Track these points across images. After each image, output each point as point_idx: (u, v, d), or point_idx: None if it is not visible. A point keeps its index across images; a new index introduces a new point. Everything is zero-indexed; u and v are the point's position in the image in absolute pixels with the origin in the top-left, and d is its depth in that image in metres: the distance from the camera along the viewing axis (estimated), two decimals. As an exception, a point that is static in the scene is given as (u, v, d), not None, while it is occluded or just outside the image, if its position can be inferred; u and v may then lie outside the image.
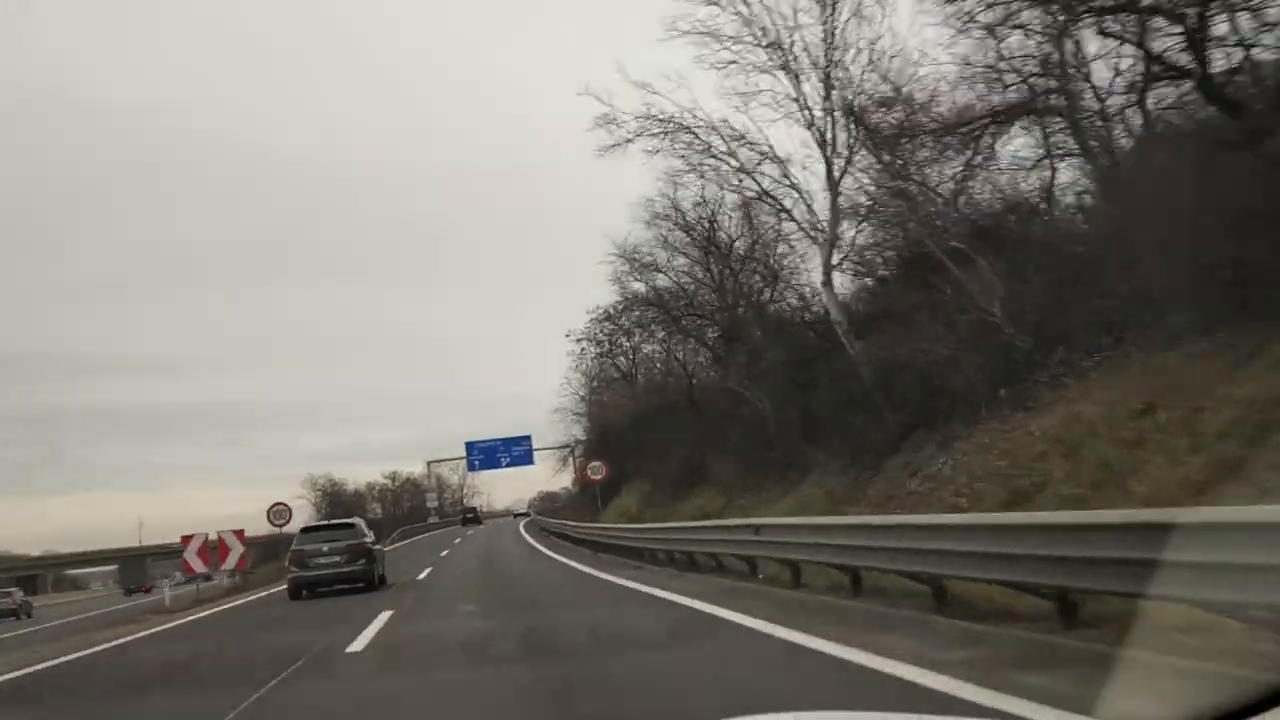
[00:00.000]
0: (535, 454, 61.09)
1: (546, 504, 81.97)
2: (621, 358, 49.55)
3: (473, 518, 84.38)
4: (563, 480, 71.47)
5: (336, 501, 76.35)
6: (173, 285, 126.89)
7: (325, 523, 23.82)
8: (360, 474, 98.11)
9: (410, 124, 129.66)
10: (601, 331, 44.59)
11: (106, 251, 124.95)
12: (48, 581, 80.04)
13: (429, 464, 75.12)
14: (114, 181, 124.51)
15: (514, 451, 60.18)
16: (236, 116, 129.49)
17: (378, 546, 22.04)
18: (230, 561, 24.26)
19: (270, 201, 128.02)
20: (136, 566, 76.31)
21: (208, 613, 18.89)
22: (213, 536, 24.03)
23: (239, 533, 24.63)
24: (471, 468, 64.29)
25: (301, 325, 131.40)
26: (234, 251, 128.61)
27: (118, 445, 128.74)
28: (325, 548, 19.86)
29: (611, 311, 41.66)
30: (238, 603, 20.93)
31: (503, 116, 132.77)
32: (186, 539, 23.95)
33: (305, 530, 21.49)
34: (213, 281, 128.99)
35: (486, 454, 60.35)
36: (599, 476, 42.29)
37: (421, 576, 22.98)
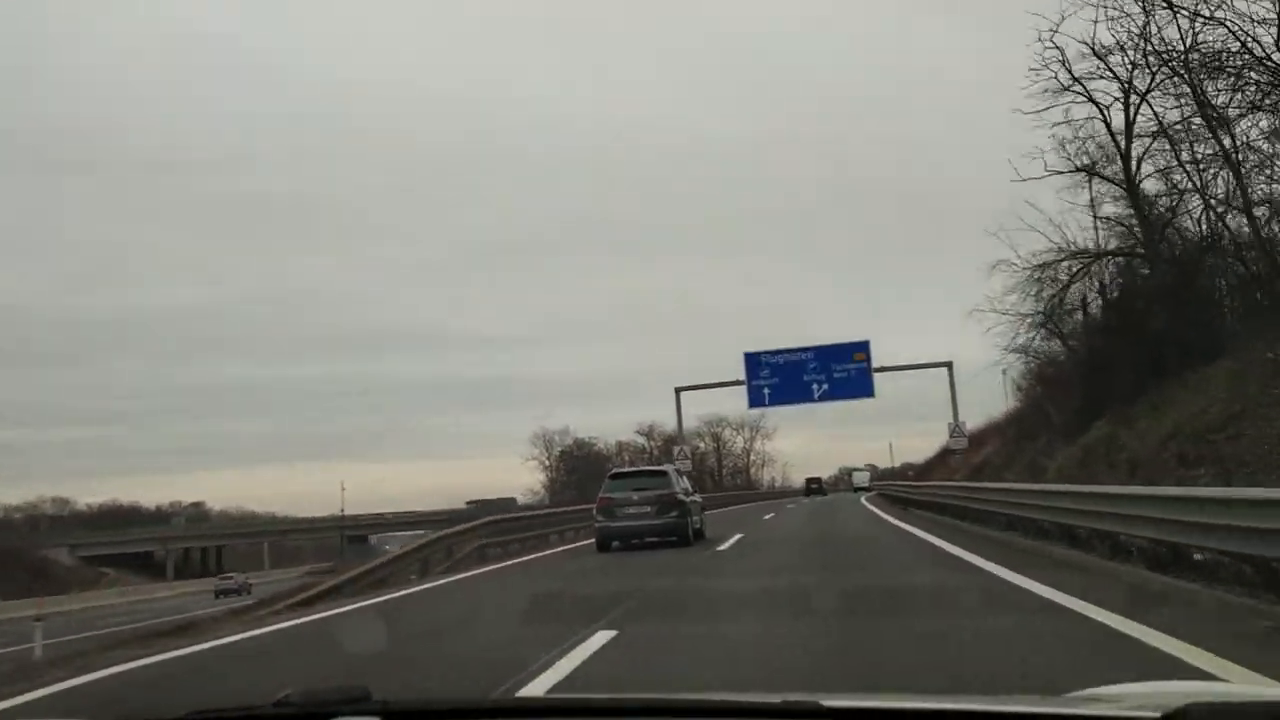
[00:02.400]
0: (879, 377, 36.46)
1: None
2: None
3: (817, 488, 75.57)
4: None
5: (573, 469, 74.42)
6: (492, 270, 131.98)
7: (635, 469, 22.13)
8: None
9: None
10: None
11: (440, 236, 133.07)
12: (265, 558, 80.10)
13: (677, 391, 40.13)
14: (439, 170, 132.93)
15: (835, 372, 35.86)
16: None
17: (693, 498, 19.94)
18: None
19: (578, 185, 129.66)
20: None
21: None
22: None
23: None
24: (757, 402, 37.84)
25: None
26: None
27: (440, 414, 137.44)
28: (635, 496, 18.01)
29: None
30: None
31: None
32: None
33: (614, 476, 19.84)
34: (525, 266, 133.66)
35: (784, 375, 36.09)
36: (960, 448, 36.49)
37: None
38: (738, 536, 19.12)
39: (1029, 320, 29.78)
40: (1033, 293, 28.80)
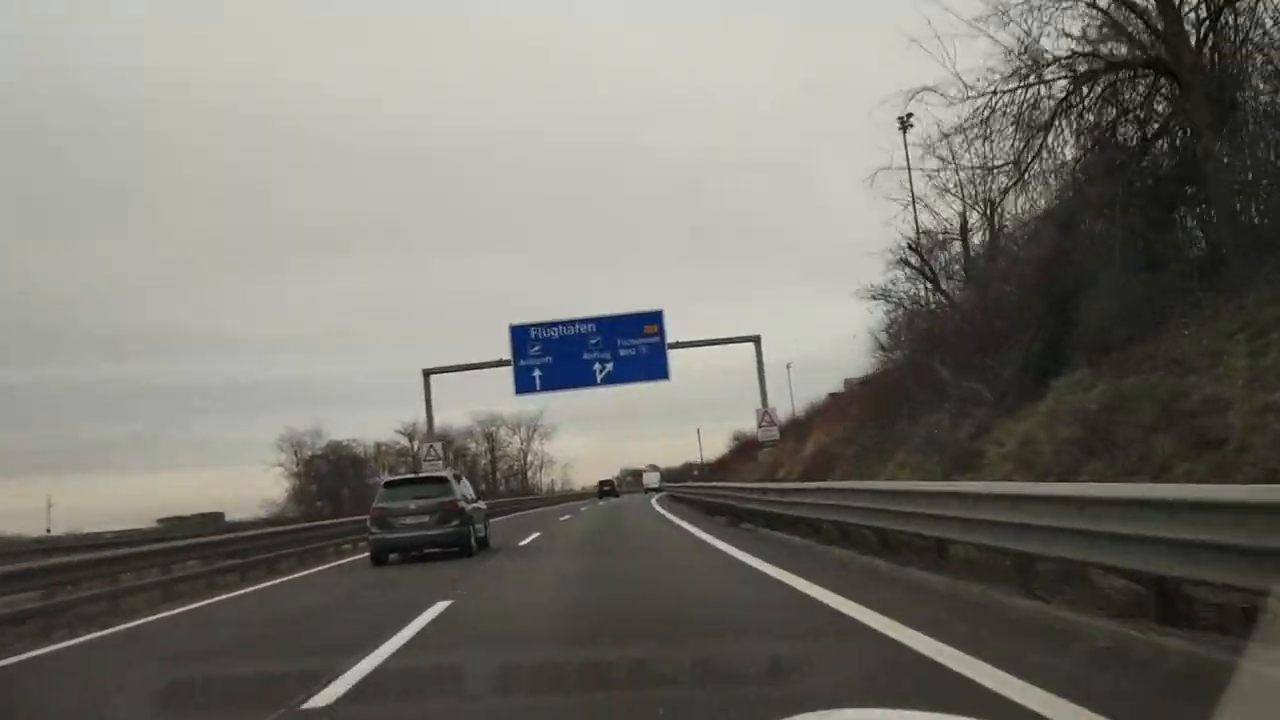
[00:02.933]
0: (673, 356, 30.82)
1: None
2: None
3: (609, 490, 76.43)
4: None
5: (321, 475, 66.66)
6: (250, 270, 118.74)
7: (412, 476, 20.68)
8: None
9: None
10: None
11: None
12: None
13: (425, 375, 32.96)
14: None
15: (621, 349, 30.23)
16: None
17: (476, 505, 18.76)
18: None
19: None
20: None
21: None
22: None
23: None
24: (526, 386, 30.80)
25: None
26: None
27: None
28: (413, 505, 16.80)
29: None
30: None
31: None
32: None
33: (389, 484, 18.42)
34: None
35: (559, 354, 30.25)
36: (771, 439, 31.33)
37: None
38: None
39: (998, 172, 17.78)
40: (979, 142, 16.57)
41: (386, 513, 16.74)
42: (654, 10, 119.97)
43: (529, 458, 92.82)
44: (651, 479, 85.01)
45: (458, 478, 18.88)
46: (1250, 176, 14.00)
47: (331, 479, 67.77)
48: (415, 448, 69.29)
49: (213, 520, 52.79)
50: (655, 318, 30.93)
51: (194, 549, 16.00)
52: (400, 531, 16.54)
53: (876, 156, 54.58)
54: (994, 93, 15.91)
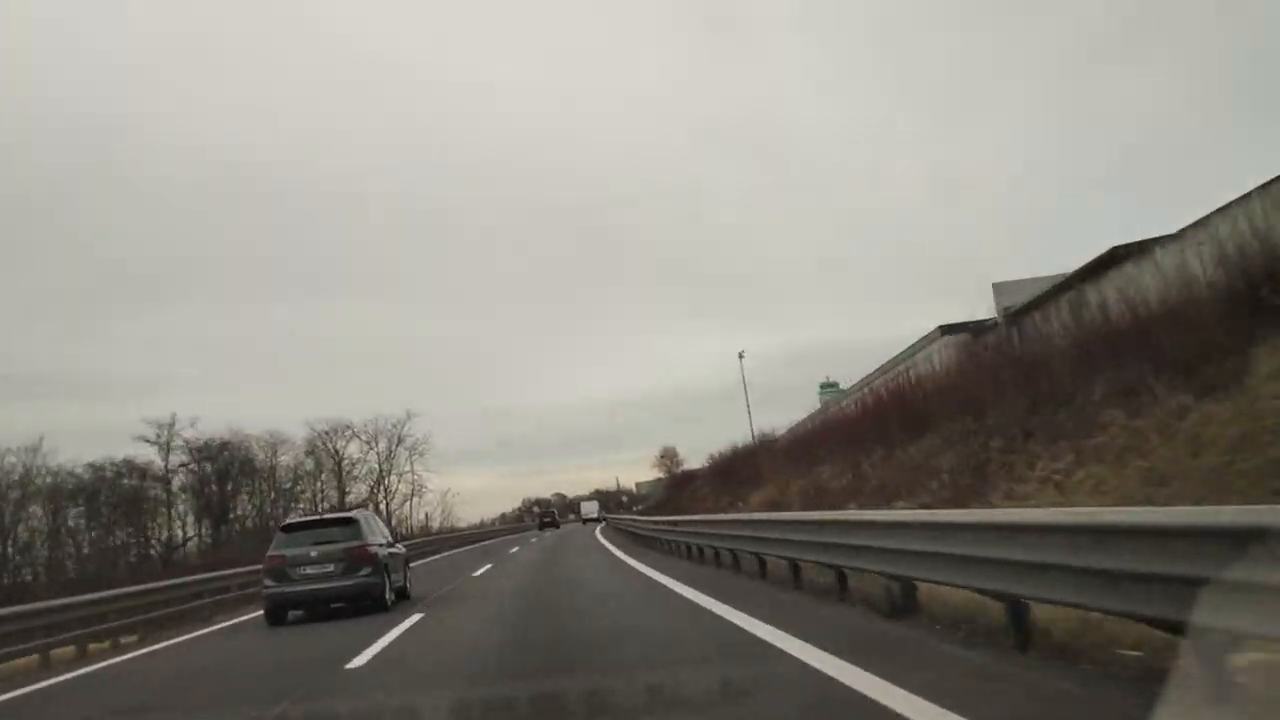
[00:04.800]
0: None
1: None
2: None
3: (550, 521, 72.55)
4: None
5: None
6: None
7: (316, 518, 17.96)
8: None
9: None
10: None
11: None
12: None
13: None
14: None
15: None
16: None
17: (394, 549, 16.35)
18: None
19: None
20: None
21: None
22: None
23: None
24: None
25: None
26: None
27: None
28: (314, 552, 14.46)
29: None
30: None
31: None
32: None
33: (288, 528, 15.94)
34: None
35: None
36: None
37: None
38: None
39: None
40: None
41: (284, 561, 14.37)
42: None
43: (390, 481, 72.49)
44: (590, 509, 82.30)
45: (375, 518, 16.44)
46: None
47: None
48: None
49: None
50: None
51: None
52: (300, 584, 14.21)
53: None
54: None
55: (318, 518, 17.21)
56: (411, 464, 71.24)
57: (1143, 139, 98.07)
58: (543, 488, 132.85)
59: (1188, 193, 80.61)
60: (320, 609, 14.42)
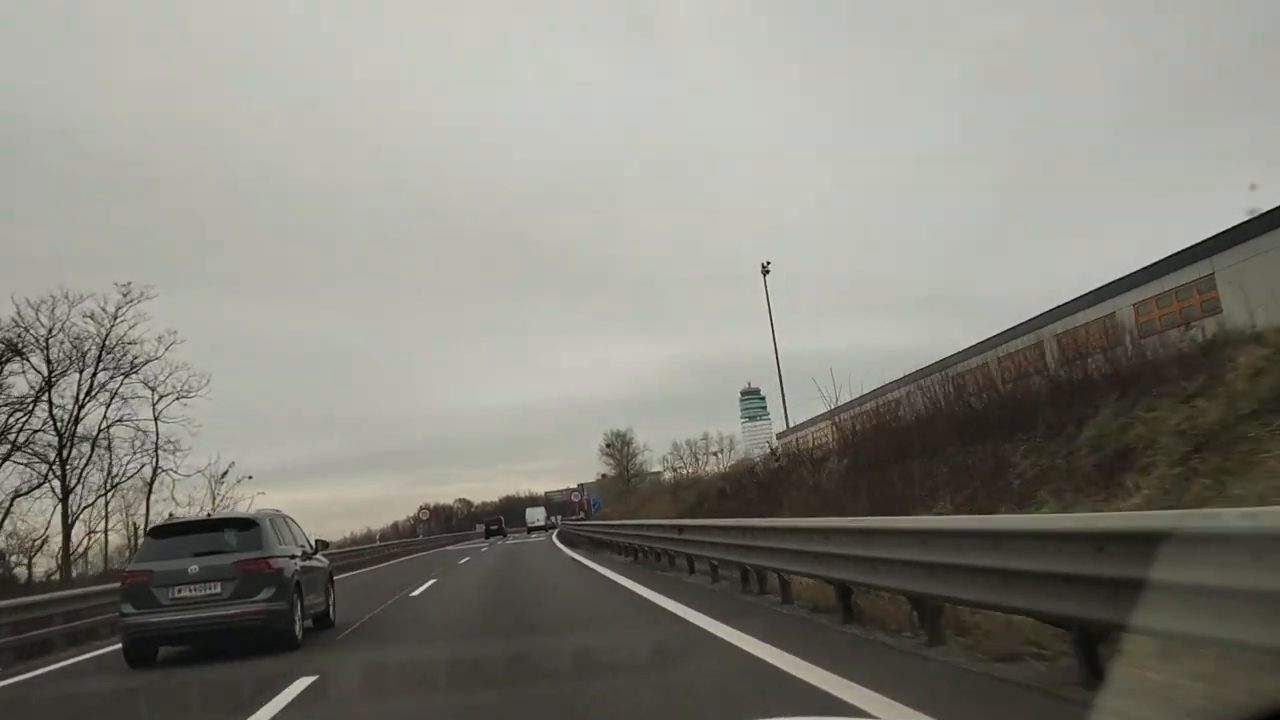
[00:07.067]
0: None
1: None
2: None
3: (497, 529, 67.80)
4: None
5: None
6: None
7: (196, 519, 12.93)
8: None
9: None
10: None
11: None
12: None
13: None
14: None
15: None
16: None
17: (311, 562, 12.03)
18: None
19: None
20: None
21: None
22: None
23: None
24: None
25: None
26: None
27: None
28: (195, 567, 10.41)
29: None
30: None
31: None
32: None
33: (158, 532, 11.70)
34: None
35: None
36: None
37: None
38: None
39: None
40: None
41: (151, 580, 10.25)
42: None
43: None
44: (536, 515, 73.18)
45: (285, 522, 12.09)
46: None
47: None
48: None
49: None
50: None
51: None
52: (172, 610, 10.09)
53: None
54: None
55: (203, 519, 12.48)
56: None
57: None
58: (444, 496, 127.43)
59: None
60: (204, 643, 10.44)
